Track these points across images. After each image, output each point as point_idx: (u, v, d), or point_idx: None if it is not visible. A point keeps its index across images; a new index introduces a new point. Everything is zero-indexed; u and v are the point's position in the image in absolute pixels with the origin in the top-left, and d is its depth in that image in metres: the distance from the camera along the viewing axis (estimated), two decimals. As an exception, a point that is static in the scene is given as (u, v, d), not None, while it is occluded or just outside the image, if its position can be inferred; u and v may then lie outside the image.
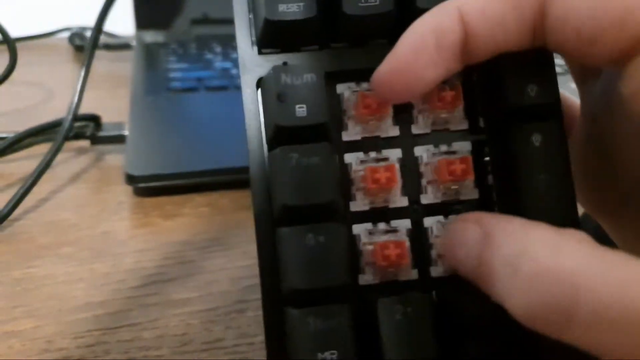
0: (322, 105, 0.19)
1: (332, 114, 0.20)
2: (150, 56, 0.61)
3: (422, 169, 0.21)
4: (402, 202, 0.20)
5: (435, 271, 0.20)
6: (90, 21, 0.45)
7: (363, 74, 0.20)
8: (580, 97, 0.22)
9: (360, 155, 0.20)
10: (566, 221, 0.18)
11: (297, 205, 0.18)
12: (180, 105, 0.49)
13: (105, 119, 0.45)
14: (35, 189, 0.38)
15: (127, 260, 0.33)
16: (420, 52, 0.18)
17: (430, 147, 0.21)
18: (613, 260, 0.14)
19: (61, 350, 0.27)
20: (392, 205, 0.20)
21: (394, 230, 0.20)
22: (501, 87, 0.19)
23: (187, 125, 0.46)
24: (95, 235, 0.35)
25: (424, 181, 0.21)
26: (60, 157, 0.41)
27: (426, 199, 0.20)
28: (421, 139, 0.21)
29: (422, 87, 0.18)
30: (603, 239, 0.22)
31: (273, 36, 0.20)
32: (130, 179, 0.39)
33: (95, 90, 0.51)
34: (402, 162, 0.20)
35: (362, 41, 0.21)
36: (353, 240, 0.20)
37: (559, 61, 0.20)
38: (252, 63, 0.20)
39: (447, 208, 0.20)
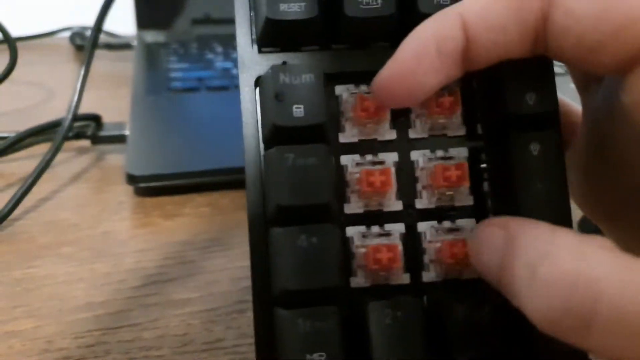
0: (320, 106, 0.19)
1: (330, 115, 0.20)
2: (151, 56, 0.61)
3: (418, 173, 0.20)
4: (397, 206, 0.20)
5: (427, 276, 0.20)
6: (91, 21, 0.45)
7: (363, 77, 0.20)
8: (581, 103, 0.22)
9: (357, 157, 0.20)
10: None
11: (291, 205, 0.18)
12: (181, 105, 0.49)
13: (106, 118, 0.45)
14: (36, 188, 0.38)
15: (127, 260, 0.33)
16: (421, 58, 0.18)
17: (427, 152, 0.21)
18: (636, 267, 0.14)
19: (61, 350, 0.27)
20: (386, 209, 0.20)
21: (387, 234, 0.20)
22: (500, 95, 0.19)
23: (188, 125, 0.46)
24: (96, 235, 0.35)
25: (419, 186, 0.20)
26: (61, 156, 0.41)
27: (421, 203, 0.20)
28: (418, 144, 0.21)
29: (423, 94, 0.18)
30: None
31: (273, 35, 0.20)
32: (131, 179, 0.39)
33: (96, 90, 0.51)
34: (398, 166, 0.20)
35: (363, 43, 0.21)
36: (346, 242, 0.20)
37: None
38: (251, 61, 0.20)
39: (442, 214, 0.20)
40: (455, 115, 0.20)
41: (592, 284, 0.14)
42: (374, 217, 0.20)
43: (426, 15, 0.19)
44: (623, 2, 0.16)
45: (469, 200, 0.20)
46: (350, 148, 0.20)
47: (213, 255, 0.34)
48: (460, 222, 0.20)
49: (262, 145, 0.20)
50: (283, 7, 0.19)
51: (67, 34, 0.70)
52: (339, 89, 0.20)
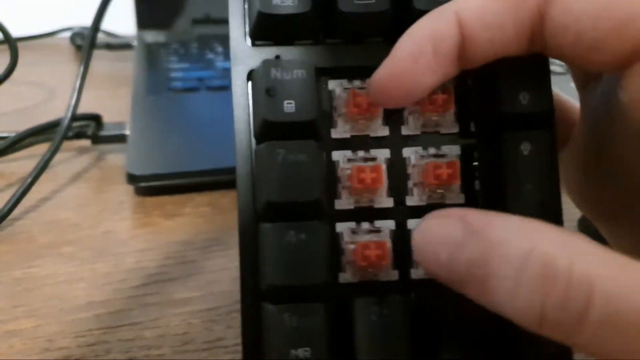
0: (311, 102, 0.19)
1: (323, 110, 0.20)
2: (152, 56, 0.61)
3: (410, 170, 0.20)
4: (388, 202, 0.20)
5: (416, 273, 0.20)
6: (92, 21, 0.45)
7: (356, 72, 0.20)
8: (580, 100, 0.22)
9: (348, 153, 0.20)
10: None
11: (281, 202, 0.18)
12: (181, 105, 0.49)
13: (107, 118, 0.45)
14: (37, 188, 0.38)
15: (128, 259, 0.33)
16: (418, 57, 0.17)
17: (419, 149, 0.20)
18: (626, 262, 0.14)
19: (62, 349, 0.27)
20: (377, 206, 0.20)
21: (377, 231, 0.20)
22: (494, 93, 0.19)
23: (188, 125, 0.46)
24: (96, 235, 0.35)
25: (410, 183, 0.20)
26: (61, 156, 0.41)
27: (411, 200, 0.20)
28: (410, 141, 0.21)
29: (420, 93, 0.18)
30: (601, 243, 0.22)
31: (266, 29, 0.20)
32: (132, 179, 0.39)
33: (97, 90, 0.51)
34: (390, 162, 0.20)
35: (357, 38, 0.21)
36: (336, 238, 0.20)
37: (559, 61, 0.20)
38: (244, 54, 0.20)
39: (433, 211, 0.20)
40: (449, 113, 0.20)
41: (585, 277, 0.14)
42: (365, 214, 0.20)
43: (422, 12, 0.18)
44: None
45: (460, 199, 0.20)
46: (342, 144, 0.20)
47: (213, 254, 0.34)
48: None
49: (253, 140, 0.20)
50: (275, 1, 0.19)
51: (68, 34, 0.70)
52: (332, 84, 0.20)
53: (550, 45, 0.18)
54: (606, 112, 0.19)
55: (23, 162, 0.42)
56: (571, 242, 0.14)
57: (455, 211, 0.17)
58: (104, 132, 0.45)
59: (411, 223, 0.20)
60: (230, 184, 0.40)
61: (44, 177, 0.38)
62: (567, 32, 0.17)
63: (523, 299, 0.14)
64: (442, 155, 0.20)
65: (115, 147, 0.45)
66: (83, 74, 0.43)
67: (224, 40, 0.64)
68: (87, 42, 0.43)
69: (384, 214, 0.20)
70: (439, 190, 0.20)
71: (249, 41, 0.20)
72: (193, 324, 0.29)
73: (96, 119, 0.45)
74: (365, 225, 0.20)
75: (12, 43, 0.42)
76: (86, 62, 0.43)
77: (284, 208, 0.18)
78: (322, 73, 0.20)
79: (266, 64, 0.19)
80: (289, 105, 0.19)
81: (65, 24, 0.71)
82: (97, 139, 0.45)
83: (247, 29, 0.20)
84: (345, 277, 0.20)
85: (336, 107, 0.20)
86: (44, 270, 0.32)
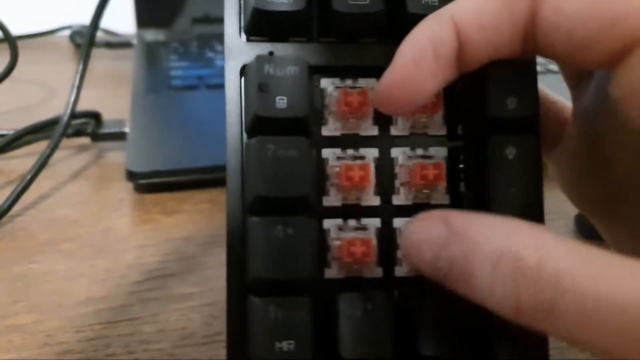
0: (303, 99, 0.19)
1: (314, 107, 0.20)
2: (152, 54, 0.61)
3: (397, 170, 0.21)
4: (375, 201, 0.21)
5: (400, 271, 0.20)
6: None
7: (349, 71, 0.20)
8: (572, 98, 0.22)
9: (338, 151, 0.20)
10: None
11: (269, 196, 0.18)
12: (181, 102, 0.49)
13: (106, 117, 0.46)
14: (37, 186, 0.38)
15: (128, 256, 0.33)
16: (419, 63, 0.18)
17: (407, 149, 0.21)
18: (590, 254, 0.15)
19: (62, 344, 0.27)
20: (364, 203, 0.20)
21: (363, 228, 0.20)
22: (482, 97, 0.19)
23: (188, 123, 0.47)
24: (96, 232, 0.35)
25: (397, 182, 0.21)
26: (61, 154, 0.41)
27: (398, 200, 0.21)
28: (399, 141, 0.21)
29: (423, 98, 0.18)
30: (595, 238, 0.22)
31: (261, 25, 0.20)
32: (131, 176, 0.39)
33: (97, 88, 0.51)
34: (378, 161, 0.21)
35: (351, 38, 0.21)
36: (323, 234, 0.20)
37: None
38: (238, 49, 0.20)
39: (418, 210, 0.20)
40: (437, 115, 0.21)
41: (553, 270, 0.15)
42: (352, 211, 0.20)
43: (415, 16, 0.19)
44: None
45: (445, 200, 0.21)
46: (332, 141, 0.21)
47: (213, 251, 0.34)
48: None
49: (244, 135, 0.20)
50: None
51: (68, 32, 0.70)
52: (324, 82, 0.21)
53: (542, 45, 0.18)
54: (598, 109, 0.20)
55: (22, 160, 0.42)
56: (540, 238, 0.15)
57: (439, 213, 0.18)
58: (104, 130, 0.45)
59: (397, 222, 0.20)
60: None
61: (43, 174, 0.38)
62: (558, 32, 0.17)
63: (499, 293, 0.15)
64: (429, 157, 0.21)
65: (115, 145, 0.45)
66: (82, 72, 0.43)
67: (224, 39, 0.65)
68: (86, 40, 0.43)
69: (370, 211, 0.20)
70: (425, 191, 0.20)
71: (243, 37, 0.21)
72: (192, 319, 0.29)
73: (95, 116, 0.45)
74: (352, 222, 0.20)
75: (12, 41, 0.43)
76: (85, 59, 0.43)
77: (273, 203, 0.19)
78: (315, 71, 0.20)
79: (259, 59, 0.19)
80: (280, 101, 0.19)
81: (65, 23, 0.71)
82: (96, 137, 0.45)
83: (242, 25, 0.21)
84: (331, 272, 0.20)
85: (327, 105, 0.20)
86: (44, 267, 0.32)
